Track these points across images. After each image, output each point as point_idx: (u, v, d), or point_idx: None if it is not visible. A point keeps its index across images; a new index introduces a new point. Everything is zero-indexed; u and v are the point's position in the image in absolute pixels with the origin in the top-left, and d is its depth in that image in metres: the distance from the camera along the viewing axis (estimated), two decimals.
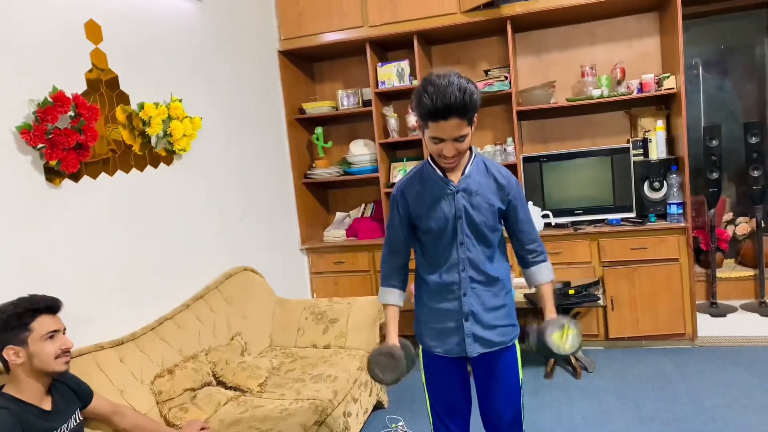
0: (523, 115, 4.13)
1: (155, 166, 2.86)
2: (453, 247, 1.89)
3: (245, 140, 3.68)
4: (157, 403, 2.44)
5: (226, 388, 2.73)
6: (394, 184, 4.09)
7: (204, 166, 3.24)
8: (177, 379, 2.51)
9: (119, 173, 2.63)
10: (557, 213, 3.94)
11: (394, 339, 1.98)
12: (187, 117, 2.95)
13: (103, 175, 2.54)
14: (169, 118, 2.86)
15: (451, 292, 1.92)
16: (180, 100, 2.93)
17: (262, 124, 3.90)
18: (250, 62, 3.81)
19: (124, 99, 2.68)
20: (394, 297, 2.02)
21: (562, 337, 1.83)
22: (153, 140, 2.82)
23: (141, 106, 2.73)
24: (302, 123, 4.41)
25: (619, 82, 3.90)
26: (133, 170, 2.72)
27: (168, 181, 2.95)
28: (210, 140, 3.29)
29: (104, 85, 2.58)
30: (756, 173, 3.80)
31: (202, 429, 2.33)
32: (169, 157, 2.96)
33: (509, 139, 4.10)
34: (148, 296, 2.74)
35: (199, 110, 3.15)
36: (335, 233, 4.34)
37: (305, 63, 4.53)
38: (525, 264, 2.03)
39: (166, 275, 2.88)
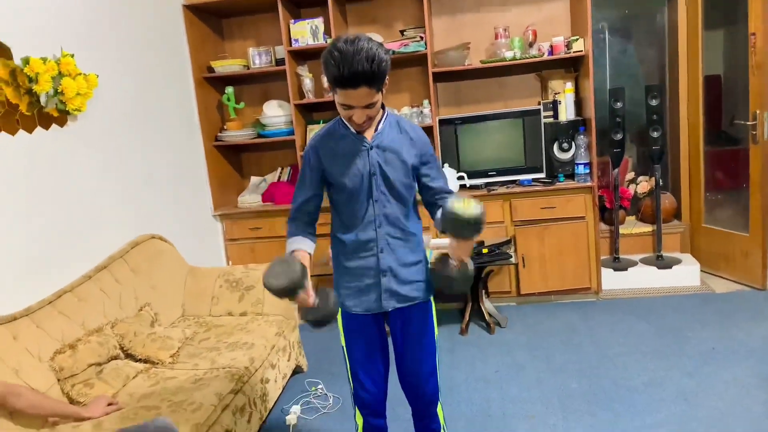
0: (438, 77, 4.12)
1: (46, 127, 2.63)
2: (368, 204, 1.88)
3: (149, 100, 3.45)
4: (59, 380, 2.30)
5: (136, 360, 2.61)
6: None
7: (103, 128, 3.01)
8: (80, 354, 2.36)
9: (3, 135, 2.39)
10: (472, 175, 4.01)
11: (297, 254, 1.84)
12: (80, 74, 2.72)
13: None
14: (60, 74, 2.62)
15: (368, 249, 1.91)
16: (72, 56, 2.69)
17: (167, 82, 3.68)
18: (152, 16, 3.55)
19: (5, 53, 2.42)
20: (301, 244, 1.90)
21: (464, 204, 1.68)
22: (42, 99, 2.58)
23: (26, 61, 2.48)
24: (211, 82, 4.20)
25: (530, 45, 3.96)
26: (21, 132, 2.48)
27: (62, 143, 2.72)
28: (109, 99, 3.06)
29: None
30: (655, 134, 4.00)
31: (110, 404, 2.22)
32: (63, 117, 2.72)
33: (425, 101, 4.10)
34: (44, 269, 2.55)
35: (96, 67, 2.91)
36: (250, 198, 4.21)
37: (213, 19, 4.29)
38: (437, 206, 1.94)
39: (65, 245, 2.68)
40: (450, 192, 1.98)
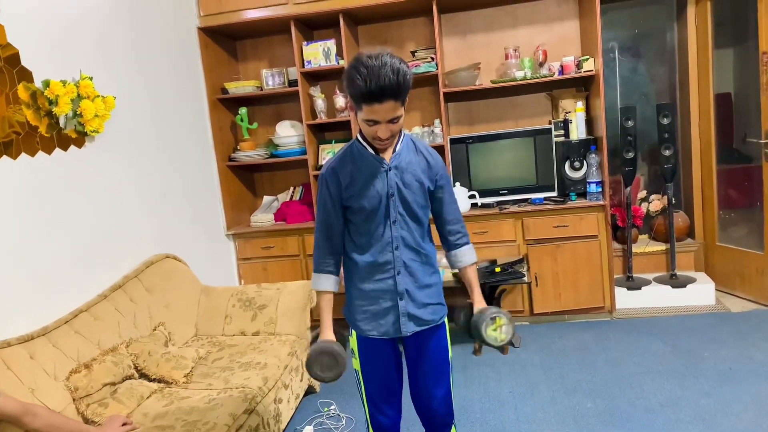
0: (449, 97, 4.16)
1: (65, 148, 2.67)
2: (386, 225, 1.87)
3: (164, 121, 3.50)
4: (74, 400, 2.30)
5: (150, 380, 2.61)
6: (322, 166, 4.03)
7: (120, 149, 3.06)
8: (95, 373, 2.37)
9: (24, 156, 2.43)
10: (483, 193, 4.01)
11: (329, 331, 1.95)
12: (99, 96, 2.77)
13: (4, 158, 2.34)
14: (79, 97, 2.67)
15: (385, 271, 1.89)
16: (90, 78, 2.75)
17: (182, 104, 3.73)
18: (168, 39, 3.62)
19: (26, 76, 2.48)
20: (328, 283, 1.97)
21: (497, 329, 1.89)
22: (61, 121, 2.63)
23: (46, 84, 2.53)
24: (225, 103, 4.25)
25: (541, 65, 3.98)
26: (40, 153, 2.52)
27: (80, 164, 2.76)
28: (125, 121, 3.11)
29: (3, 62, 2.37)
30: (667, 152, 4.00)
31: (124, 424, 2.22)
32: (81, 138, 2.77)
33: (437, 121, 4.13)
34: (61, 288, 2.57)
35: (113, 89, 2.97)
36: (263, 218, 4.23)
37: (227, 41, 4.36)
38: (449, 246, 2.04)
39: (80, 265, 2.70)
40: (462, 224, 2.01)
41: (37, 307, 2.43)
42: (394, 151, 1.87)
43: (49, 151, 2.57)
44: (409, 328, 1.93)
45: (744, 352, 3.27)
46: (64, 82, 2.60)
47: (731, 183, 4.22)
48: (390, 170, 1.85)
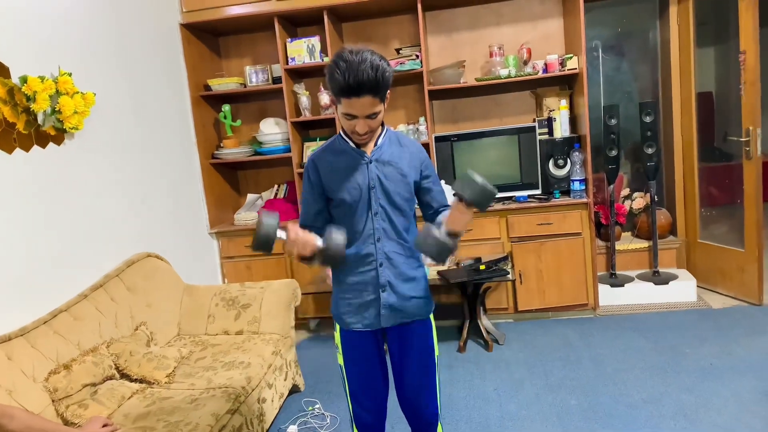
0: (434, 95, 4.15)
1: (43, 145, 2.62)
2: (367, 218, 1.88)
3: (146, 118, 3.46)
4: (53, 401, 2.27)
5: (131, 381, 2.58)
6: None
7: (100, 146, 3.01)
8: (75, 374, 2.33)
9: (0, 153, 2.39)
10: None
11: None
12: (78, 92, 2.72)
13: None
14: (58, 93, 2.62)
15: (368, 263, 1.90)
16: (70, 74, 2.70)
17: (164, 101, 3.68)
18: (149, 35, 3.57)
19: (3, 72, 2.43)
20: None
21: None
22: (40, 117, 2.58)
23: (24, 80, 2.49)
24: (208, 100, 4.21)
25: (525, 63, 3.99)
26: (18, 150, 2.48)
27: (59, 161, 2.71)
28: (106, 118, 3.06)
29: None
30: (650, 150, 4.03)
31: (105, 425, 2.19)
32: (60, 135, 2.72)
33: (421, 119, 4.12)
34: (39, 288, 2.53)
35: (93, 85, 2.92)
36: (247, 216, 4.20)
37: (210, 37, 4.32)
38: (436, 216, 1.95)
39: (60, 264, 2.66)
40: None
41: (15, 307, 2.38)
42: (375, 144, 1.88)
43: (27, 149, 2.53)
44: (389, 320, 1.93)
45: (725, 348, 3.30)
46: (42, 78, 2.55)
47: (712, 181, 4.26)
48: (371, 163, 1.87)
